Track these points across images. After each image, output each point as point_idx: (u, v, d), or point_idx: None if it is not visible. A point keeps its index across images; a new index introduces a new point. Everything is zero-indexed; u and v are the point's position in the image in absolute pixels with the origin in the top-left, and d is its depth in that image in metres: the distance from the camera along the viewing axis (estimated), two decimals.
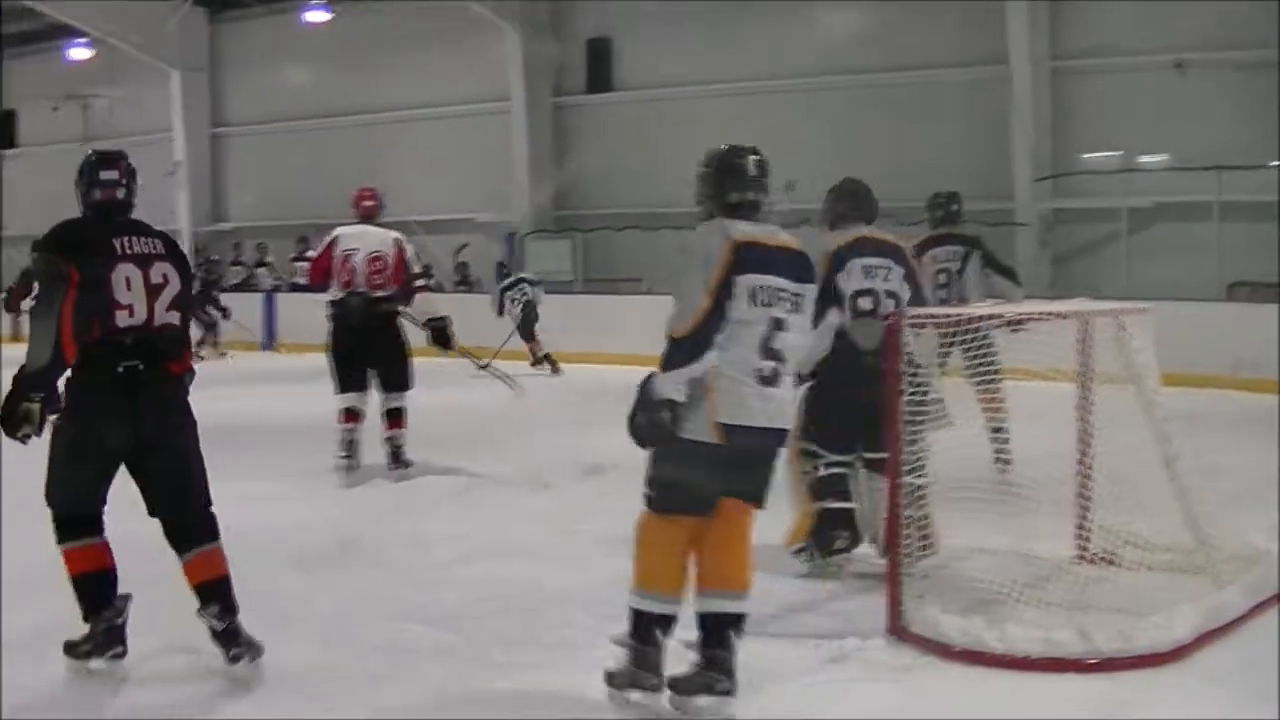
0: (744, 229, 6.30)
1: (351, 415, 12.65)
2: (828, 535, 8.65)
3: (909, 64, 26.15)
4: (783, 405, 6.43)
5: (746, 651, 6.51)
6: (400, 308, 12.70)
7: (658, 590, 6.33)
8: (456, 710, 6.42)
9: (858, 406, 8.26)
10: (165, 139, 36.16)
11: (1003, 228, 24.10)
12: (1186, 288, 19.97)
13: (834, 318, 8.52)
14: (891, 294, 8.67)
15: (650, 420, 6.18)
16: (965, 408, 8.89)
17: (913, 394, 7.51)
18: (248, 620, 6.81)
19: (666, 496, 6.32)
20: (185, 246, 34.56)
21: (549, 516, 10.70)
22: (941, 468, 7.71)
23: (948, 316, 7.98)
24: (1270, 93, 22.39)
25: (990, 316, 7.95)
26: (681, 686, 6.30)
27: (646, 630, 6.32)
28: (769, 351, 6.28)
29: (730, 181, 6.46)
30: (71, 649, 6.74)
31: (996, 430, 10.99)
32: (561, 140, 30.76)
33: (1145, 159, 24.27)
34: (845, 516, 8.64)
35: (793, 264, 6.42)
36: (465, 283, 30.58)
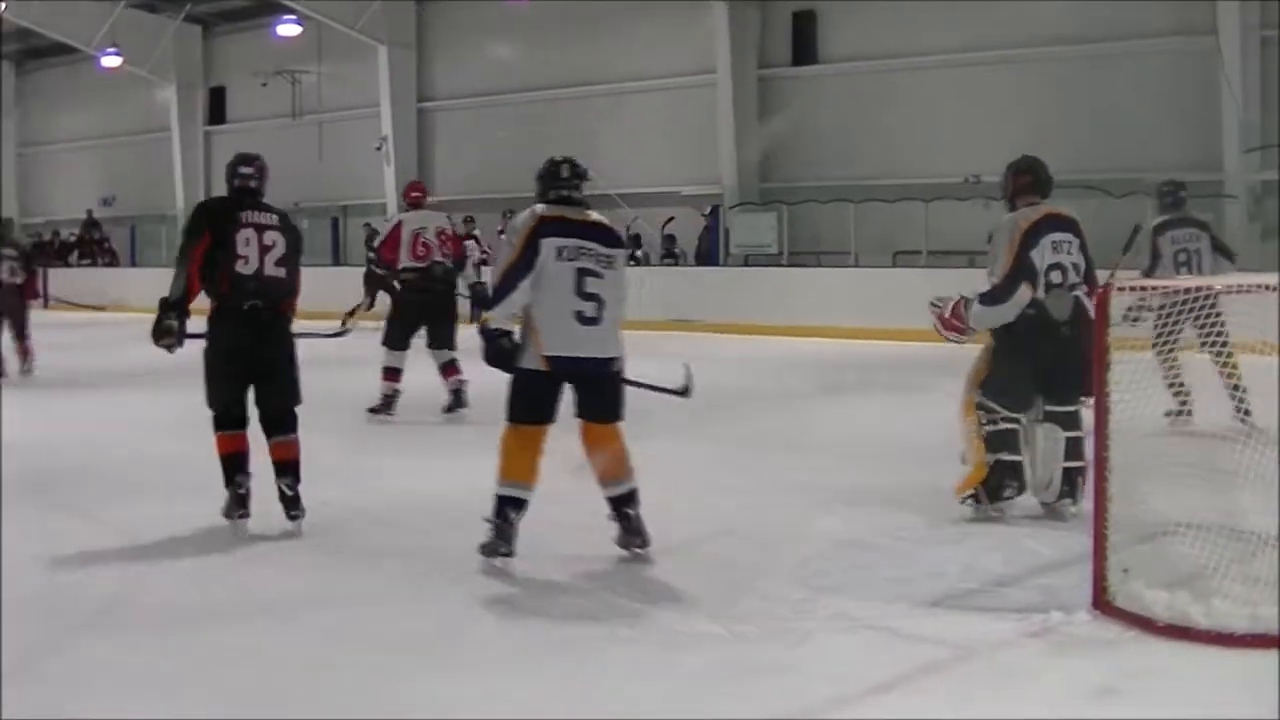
0: (549, 208, 8.42)
1: (399, 374, 14.66)
2: (998, 485, 9.44)
3: (1117, 34, 25.73)
4: (604, 339, 8.33)
5: (947, 623, 6.99)
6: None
7: (508, 479, 8.32)
8: (649, 682, 6.43)
9: (1040, 370, 9.36)
10: (372, 114, 36.67)
11: (1211, 200, 23.71)
12: None
13: (1025, 292, 9.31)
14: (1075, 265, 9.48)
15: (491, 349, 8.29)
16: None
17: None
18: (430, 576, 8.12)
19: (514, 411, 8.36)
20: (390, 218, 35.29)
21: (749, 489, 10.74)
22: (1148, 442, 7.65)
23: (1154, 289, 7.90)
24: None
25: (1198, 288, 7.86)
26: (619, 543, 8.48)
27: (502, 511, 8.28)
28: (586, 295, 8.21)
29: (550, 184, 8.55)
30: (225, 512, 9.27)
31: (1235, 388, 11.72)
32: (767, 113, 30.72)
33: None
34: (1015, 469, 9.45)
35: (599, 233, 8.45)
36: (671, 255, 30.72)
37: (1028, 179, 9.79)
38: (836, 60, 29.92)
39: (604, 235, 8.45)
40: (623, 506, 8.43)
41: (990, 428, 9.42)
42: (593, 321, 8.20)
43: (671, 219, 30.93)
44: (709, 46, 30.66)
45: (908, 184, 27.19)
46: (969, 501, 9.52)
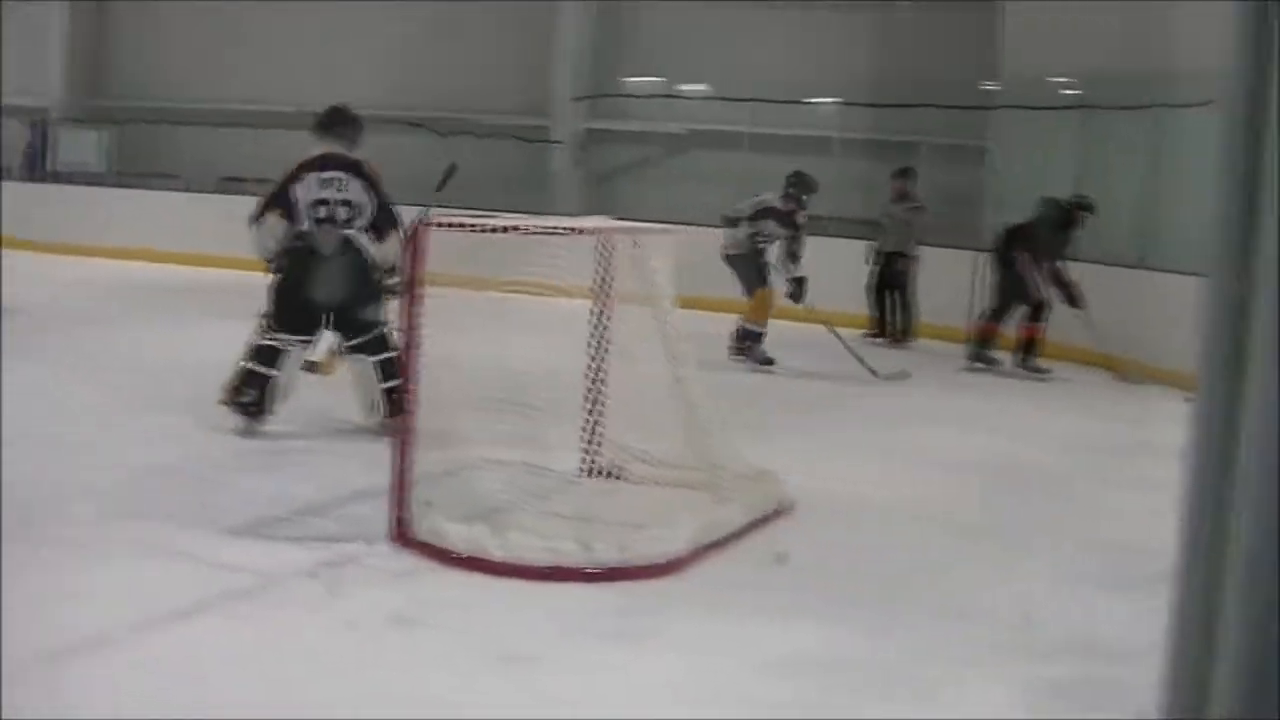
0: None
1: None
2: (238, 388, 9.94)
3: None
4: None
5: (251, 551, 7.10)
6: None
7: None
8: None
9: (315, 299, 9.90)
10: None
11: (539, 145, 24.45)
12: (714, 213, 20.34)
13: (275, 220, 9.98)
14: (347, 203, 10.06)
15: None
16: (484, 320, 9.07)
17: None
18: None
19: None
20: None
21: (58, 411, 10.50)
22: (461, 377, 7.81)
23: (474, 227, 8.01)
24: (809, 30, 23.33)
25: (516, 228, 8.02)
26: None
27: None
28: None
29: None
30: None
31: None
32: (105, 25, 29.79)
33: (685, 87, 24.85)
34: (260, 380, 9.90)
35: None
36: None
37: (321, 126, 10.45)
38: None
39: None
40: None
41: (255, 340, 9.98)
42: None
43: None
44: None
45: (240, 110, 26.83)
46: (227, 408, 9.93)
